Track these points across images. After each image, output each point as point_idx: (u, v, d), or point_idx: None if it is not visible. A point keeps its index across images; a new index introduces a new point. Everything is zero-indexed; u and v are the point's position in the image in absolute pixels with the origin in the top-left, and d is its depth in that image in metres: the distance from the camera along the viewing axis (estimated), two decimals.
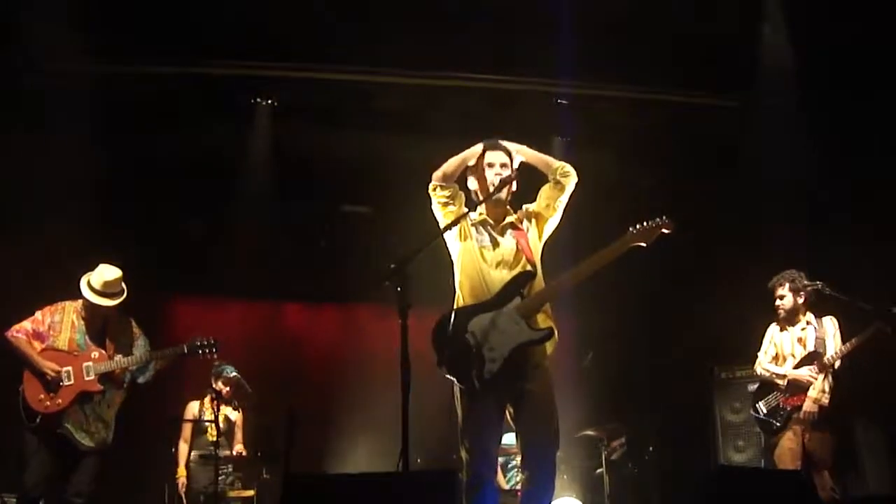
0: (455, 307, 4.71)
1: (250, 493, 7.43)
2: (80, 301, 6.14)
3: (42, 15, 6.83)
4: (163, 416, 7.56)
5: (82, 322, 6.14)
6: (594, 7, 6.99)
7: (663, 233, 4.65)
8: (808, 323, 6.63)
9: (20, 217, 7.28)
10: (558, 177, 4.91)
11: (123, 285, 6.17)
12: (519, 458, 7.50)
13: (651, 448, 8.20)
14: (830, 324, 6.60)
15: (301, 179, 8.64)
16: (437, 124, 7.92)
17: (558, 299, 4.85)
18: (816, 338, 6.54)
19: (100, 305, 6.07)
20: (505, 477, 7.89)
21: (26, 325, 6.07)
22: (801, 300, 6.60)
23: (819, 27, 7.12)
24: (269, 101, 8.06)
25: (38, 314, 6.13)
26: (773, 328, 6.78)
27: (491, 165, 4.86)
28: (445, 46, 7.34)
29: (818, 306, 6.67)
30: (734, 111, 8.09)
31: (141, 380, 6.27)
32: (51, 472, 5.92)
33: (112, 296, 6.11)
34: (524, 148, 4.98)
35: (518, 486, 7.43)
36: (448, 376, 4.55)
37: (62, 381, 5.93)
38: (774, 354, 6.70)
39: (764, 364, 6.68)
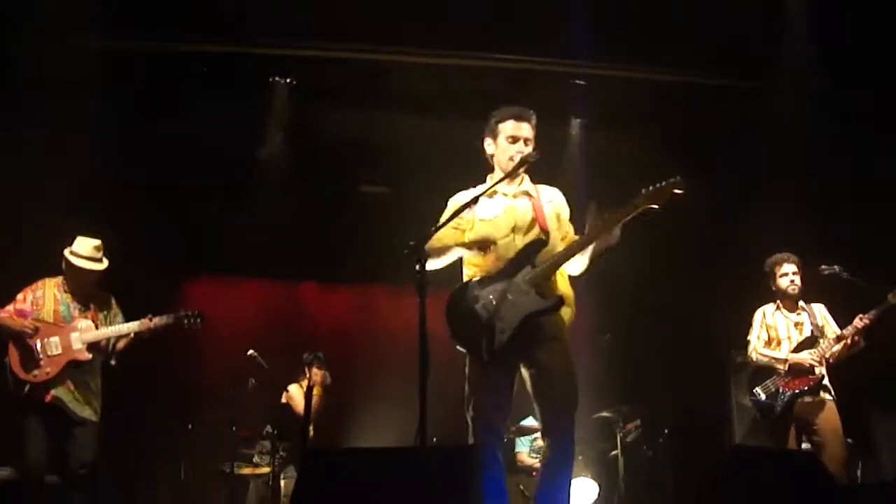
0: (467, 279, 4.66)
1: (266, 470, 7.51)
2: (60, 277, 6.17)
3: None
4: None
5: (65, 295, 6.15)
6: None
7: (675, 193, 4.43)
8: (802, 309, 6.63)
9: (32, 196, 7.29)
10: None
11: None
12: (538, 437, 7.66)
13: (666, 431, 8.21)
14: (824, 309, 6.61)
15: (318, 159, 8.65)
16: (454, 104, 7.90)
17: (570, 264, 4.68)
18: (812, 324, 6.53)
19: (87, 270, 6.09)
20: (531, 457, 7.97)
21: (9, 307, 6.08)
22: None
23: (842, 11, 7.08)
24: (288, 80, 8.05)
25: (18, 295, 6.14)
26: (766, 311, 6.72)
27: (514, 140, 4.72)
28: (464, 26, 7.31)
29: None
30: (755, 93, 8.04)
31: (112, 361, 6.27)
32: (49, 447, 5.91)
33: (99, 260, 6.14)
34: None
35: (538, 465, 7.51)
36: (459, 348, 4.54)
37: (49, 350, 5.93)
38: (767, 338, 6.65)
39: (760, 349, 6.63)
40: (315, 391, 7.64)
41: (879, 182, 7.61)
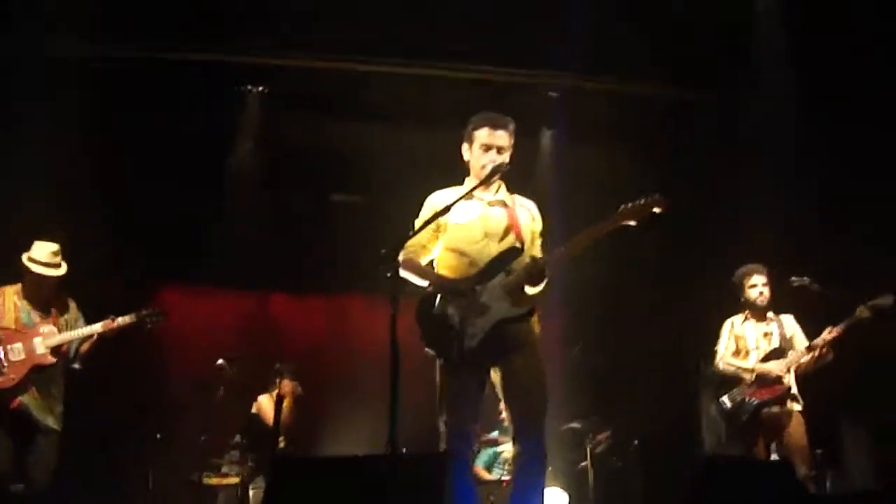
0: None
1: (235, 480, 7.45)
2: (18, 284, 6.12)
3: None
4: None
5: (24, 302, 6.09)
6: None
7: (655, 211, 4.44)
8: (771, 319, 6.65)
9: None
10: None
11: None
12: (504, 451, 7.64)
13: (636, 441, 8.21)
14: (794, 320, 6.62)
15: (291, 168, 8.62)
16: (428, 114, 7.91)
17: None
18: (781, 335, 6.55)
19: (46, 276, 6.04)
20: (490, 471, 7.91)
21: None
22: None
23: (814, 16, 7.16)
24: (260, 89, 8.04)
25: None
26: (734, 321, 6.72)
27: (488, 148, 4.71)
28: (438, 36, 7.33)
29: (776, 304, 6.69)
30: (729, 104, 8.10)
31: (76, 365, 6.21)
32: (14, 455, 5.86)
33: (56, 266, 6.09)
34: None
35: (504, 477, 7.48)
36: (429, 350, 4.52)
37: (12, 356, 5.87)
38: (735, 349, 6.65)
39: (727, 359, 6.63)
40: (285, 402, 7.59)
41: (851, 196, 7.68)
